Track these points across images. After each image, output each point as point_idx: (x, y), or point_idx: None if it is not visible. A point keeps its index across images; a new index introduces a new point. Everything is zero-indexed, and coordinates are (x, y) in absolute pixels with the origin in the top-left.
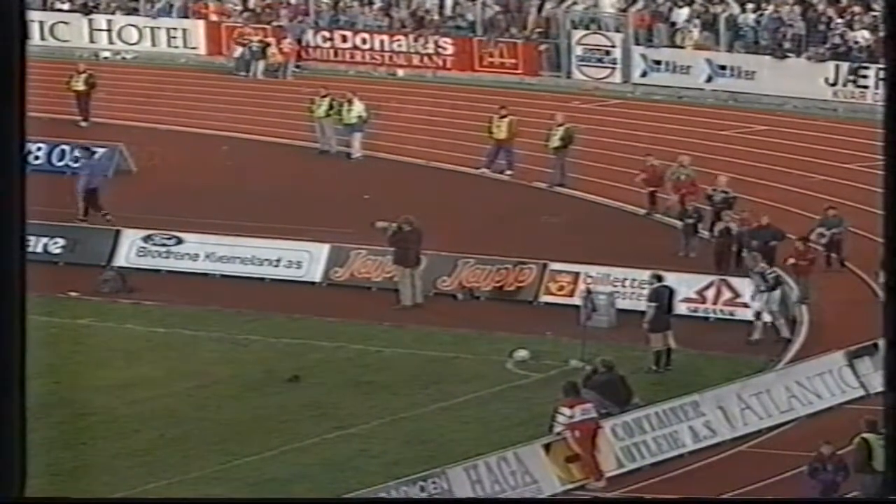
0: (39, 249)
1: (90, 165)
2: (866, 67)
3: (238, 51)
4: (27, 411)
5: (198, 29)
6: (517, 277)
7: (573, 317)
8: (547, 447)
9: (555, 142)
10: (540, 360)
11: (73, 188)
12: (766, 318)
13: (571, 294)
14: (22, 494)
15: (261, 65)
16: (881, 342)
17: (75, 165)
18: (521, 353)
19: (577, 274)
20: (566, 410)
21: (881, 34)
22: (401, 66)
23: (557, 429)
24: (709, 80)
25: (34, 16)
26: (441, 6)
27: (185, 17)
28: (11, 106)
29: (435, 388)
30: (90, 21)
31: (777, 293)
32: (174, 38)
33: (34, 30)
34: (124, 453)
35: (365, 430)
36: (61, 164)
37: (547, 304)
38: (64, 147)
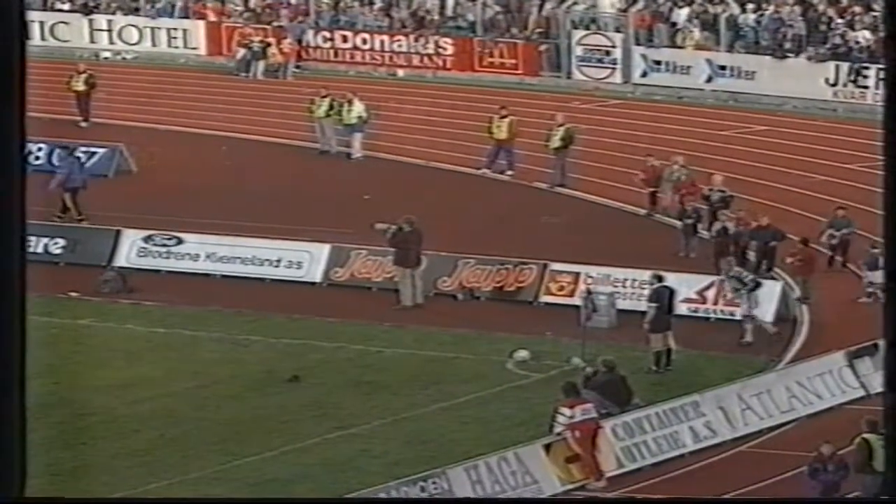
0: (40, 250)
1: (69, 164)
2: (867, 68)
3: (240, 52)
4: (27, 411)
5: (198, 29)
6: (517, 278)
7: (573, 317)
8: (547, 447)
9: (555, 142)
10: (540, 361)
11: (47, 186)
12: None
13: (572, 294)
14: (22, 494)
15: (261, 65)
16: (881, 342)
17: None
18: (522, 354)
19: (577, 274)
20: (566, 411)
21: (881, 34)
22: (401, 66)
23: (558, 429)
24: (709, 80)
25: (34, 16)
26: (441, 6)
27: (186, 17)
28: (11, 106)
29: (435, 389)
30: (90, 21)
31: (758, 294)
32: (174, 38)
33: (34, 30)
34: (124, 453)
35: (365, 430)
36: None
37: (547, 304)
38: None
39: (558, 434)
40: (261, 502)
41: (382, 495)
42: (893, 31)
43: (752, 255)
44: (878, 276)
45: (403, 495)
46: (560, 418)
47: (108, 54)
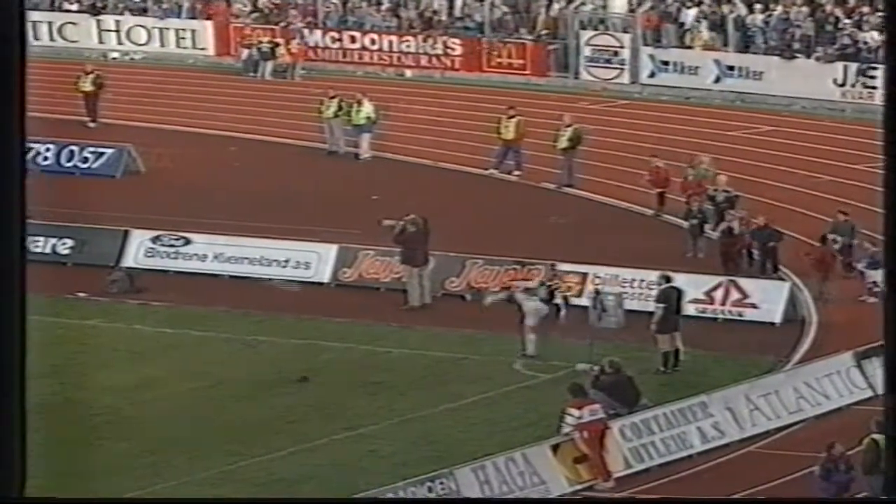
0: (48, 250)
1: None
2: (875, 68)
3: (244, 52)
4: (31, 411)
5: (206, 29)
6: (525, 278)
7: (581, 317)
8: (555, 448)
9: (563, 142)
10: (547, 361)
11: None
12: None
13: (580, 295)
14: (22, 494)
15: (269, 65)
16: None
17: (83, 166)
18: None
19: (585, 275)
20: (574, 411)
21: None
22: (409, 66)
23: (565, 429)
24: (717, 80)
25: (43, 16)
26: (450, 7)
27: (194, 17)
28: (11, 106)
29: (443, 389)
30: (98, 22)
31: (526, 310)
32: (183, 38)
33: (42, 30)
34: (131, 454)
35: (373, 430)
36: (70, 164)
37: (555, 304)
38: (72, 148)
39: (566, 434)
40: (266, 502)
41: (390, 495)
42: (894, 32)
43: (756, 256)
44: (878, 275)
45: (411, 496)
46: (568, 419)
47: (116, 55)
